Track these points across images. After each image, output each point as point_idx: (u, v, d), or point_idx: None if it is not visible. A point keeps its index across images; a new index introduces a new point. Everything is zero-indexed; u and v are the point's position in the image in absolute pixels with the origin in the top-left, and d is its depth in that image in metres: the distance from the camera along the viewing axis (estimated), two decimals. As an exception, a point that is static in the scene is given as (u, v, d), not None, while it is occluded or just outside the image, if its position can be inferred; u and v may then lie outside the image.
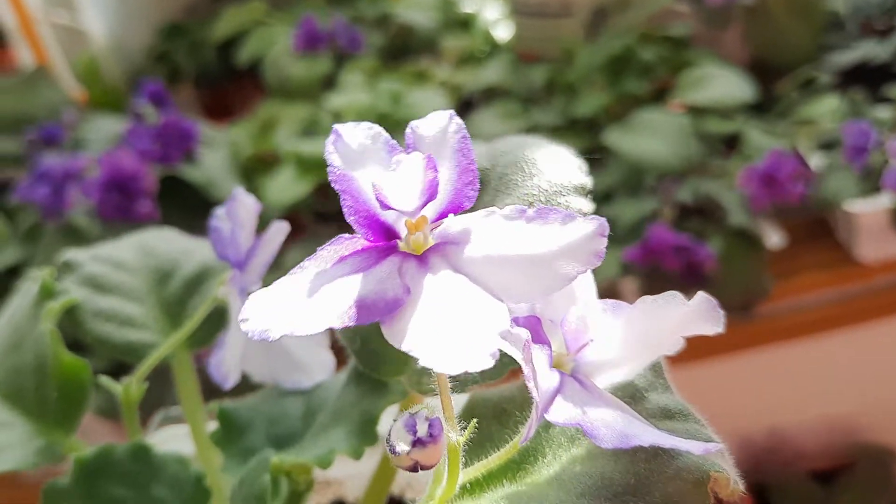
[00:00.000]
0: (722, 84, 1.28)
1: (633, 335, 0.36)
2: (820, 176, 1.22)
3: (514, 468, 0.39)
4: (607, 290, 1.15)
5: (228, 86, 2.02)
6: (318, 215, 1.43)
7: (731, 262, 1.12)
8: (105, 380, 0.53)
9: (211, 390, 0.54)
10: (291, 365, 0.53)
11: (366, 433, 0.46)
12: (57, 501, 0.47)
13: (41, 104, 1.73)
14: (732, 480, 0.34)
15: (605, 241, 0.32)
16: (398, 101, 1.43)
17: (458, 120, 0.35)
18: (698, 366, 1.28)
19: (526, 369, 0.32)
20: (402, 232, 0.34)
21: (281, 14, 1.89)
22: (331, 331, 0.47)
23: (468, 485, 0.38)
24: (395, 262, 0.33)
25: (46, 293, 0.54)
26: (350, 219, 0.34)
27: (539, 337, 0.35)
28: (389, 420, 0.46)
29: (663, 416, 0.38)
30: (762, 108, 1.39)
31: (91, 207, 1.29)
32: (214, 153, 1.47)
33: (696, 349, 1.24)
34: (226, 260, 0.51)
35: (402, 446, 0.32)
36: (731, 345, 1.27)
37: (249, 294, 0.49)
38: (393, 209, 0.33)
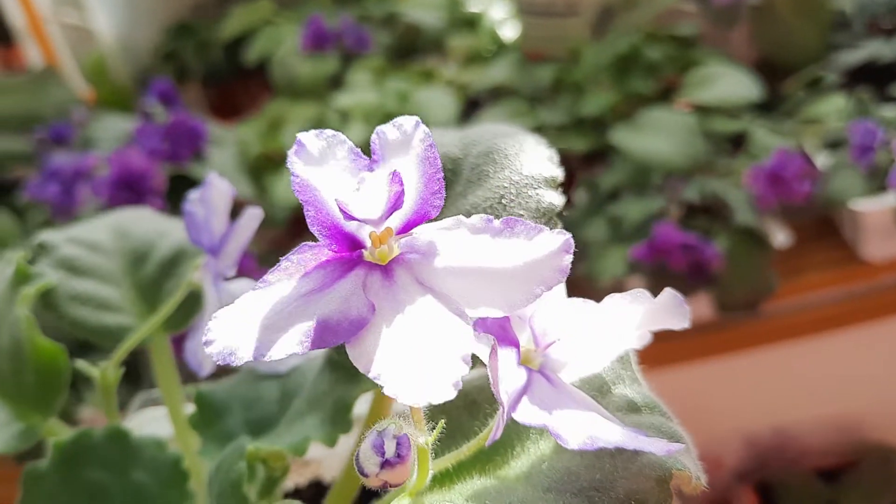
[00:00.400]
0: (729, 83, 1.29)
1: (601, 332, 0.37)
2: (826, 175, 1.23)
3: (483, 460, 0.39)
4: (614, 289, 1.16)
5: (236, 85, 2.02)
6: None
7: (738, 261, 1.12)
8: (82, 364, 0.53)
9: (189, 372, 0.54)
10: None
11: (339, 421, 0.46)
12: (37, 485, 0.47)
13: (50, 103, 1.74)
14: (695, 477, 0.35)
15: (570, 258, 0.32)
16: (405, 100, 1.44)
17: (424, 128, 0.35)
18: (704, 364, 1.29)
19: (492, 375, 0.33)
20: (367, 242, 0.34)
21: (288, 13, 1.90)
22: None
23: (438, 475, 0.38)
24: (359, 275, 0.33)
25: (22, 277, 0.53)
26: (314, 229, 0.33)
27: (507, 334, 0.35)
28: (364, 405, 0.49)
29: (629, 410, 0.39)
30: (769, 107, 1.40)
31: (101, 206, 1.29)
32: (222, 152, 1.48)
33: (702, 347, 1.25)
34: (199, 245, 0.51)
35: (371, 468, 0.32)
36: (737, 343, 1.27)
37: (224, 279, 0.50)
38: (357, 220, 0.33)
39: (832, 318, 1.28)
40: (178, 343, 0.59)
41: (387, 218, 0.34)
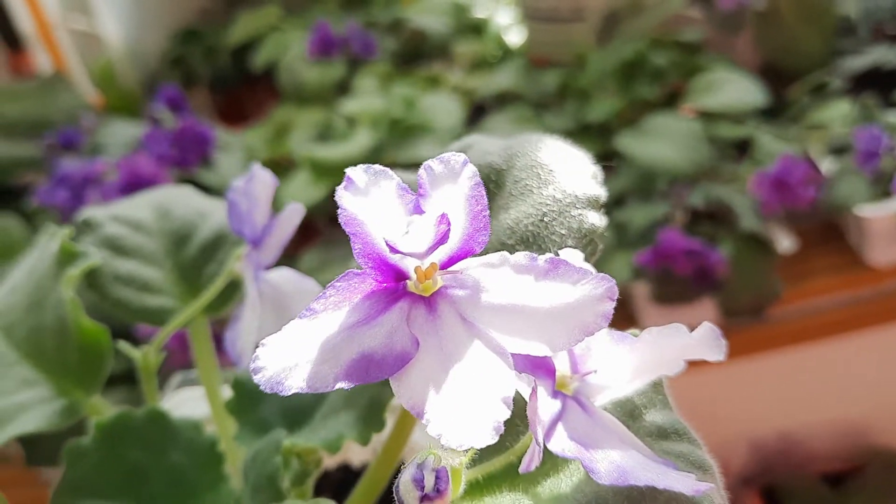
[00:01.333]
0: (734, 89, 1.29)
1: (637, 363, 0.37)
2: (831, 180, 1.23)
3: (513, 473, 0.39)
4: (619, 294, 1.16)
5: (243, 90, 2.03)
6: (333, 219, 1.45)
7: (742, 266, 1.13)
8: (124, 345, 0.54)
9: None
10: None
11: (373, 420, 0.46)
12: (79, 462, 0.48)
13: (58, 109, 1.75)
14: None
15: (612, 304, 0.32)
16: (411, 106, 1.45)
17: (471, 167, 0.35)
18: (709, 369, 1.29)
19: (530, 413, 0.34)
20: (412, 273, 0.35)
21: (295, 19, 1.91)
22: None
23: (467, 486, 0.38)
24: (403, 308, 0.34)
25: (67, 255, 0.54)
26: (360, 260, 0.34)
27: (545, 363, 0.35)
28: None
29: (659, 436, 0.39)
30: (773, 113, 1.40)
31: (109, 211, 1.31)
32: (230, 157, 1.49)
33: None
34: (241, 235, 0.51)
35: (411, 501, 0.33)
36: (742, 348, 1.27)
37: (265, 270, 0.52)
38: (403, 255, 0.34)
39: (837, 324, 1.28)
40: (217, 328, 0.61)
41: (432, 252, 0.34)
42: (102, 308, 0.58)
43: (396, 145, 1.37)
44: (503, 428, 0.31)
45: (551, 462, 0.39)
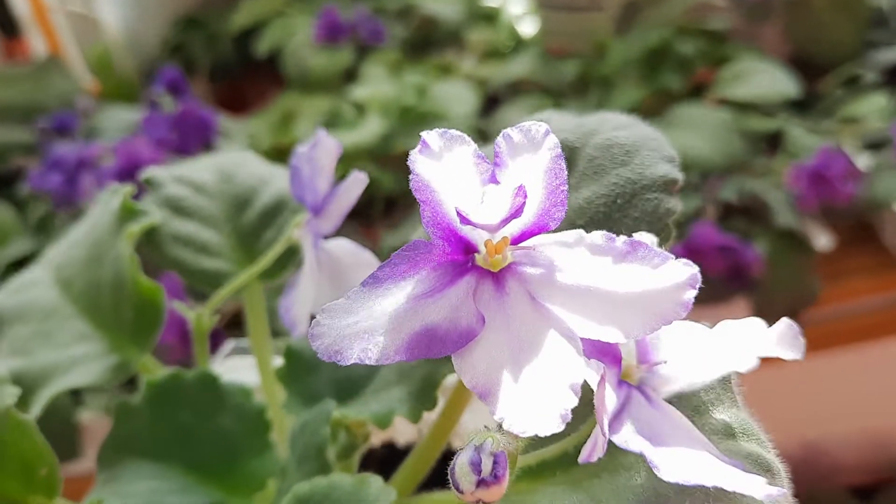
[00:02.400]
0: (765, 79, 1.23)
1: (707, 356, 0.35)
2: (868, 176, 1.17)
3: (567, 462, 0.37)
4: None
5: (244, 79, 1.97)
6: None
7: (778, 265, 1.06)
8: (180, 306, 0.54)
9: (280, 323, 0.54)
10: None
11: (425, 397, 0.45)
12: (128, 419, 0.48)
13: (53, 94, 1.69)
14: None
15: (694, 293, 0.30)
16: (423, 93, 1.38)
17: (553, 138, 0.33)
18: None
19: (597, 403, 0.32)
20: (481, 247, 0.33)
21: (301, 4, 1.84)
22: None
23: (520, 472, 0.37)
24: (470, 282, 0.32)
25: (127, 212, 0.54)
26: (428, 229, 0.32)
27: (612, 351, 0.34)
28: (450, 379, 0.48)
29: (725, 435, 0.37)
30: (803, 105, 1.34)
31: (105, 198, 1.24)
32: (233, 145, 1.42)
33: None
34: (302, 202, 0.50)
35: (467, 486, 0.31)
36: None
37: (324, 238, 0.51)
38: (473, 224, 0.32)
39: (870, 328, 1.22)
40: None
41: (504, 225, 0.32)
42: (162, 266, 0.58)
43: (408, 134, 1.31)
44: (570, 416, 0.29)
45: (609, 453, 0.37)
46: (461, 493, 0.32)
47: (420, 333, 0.31)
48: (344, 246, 0.51)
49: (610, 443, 0.36)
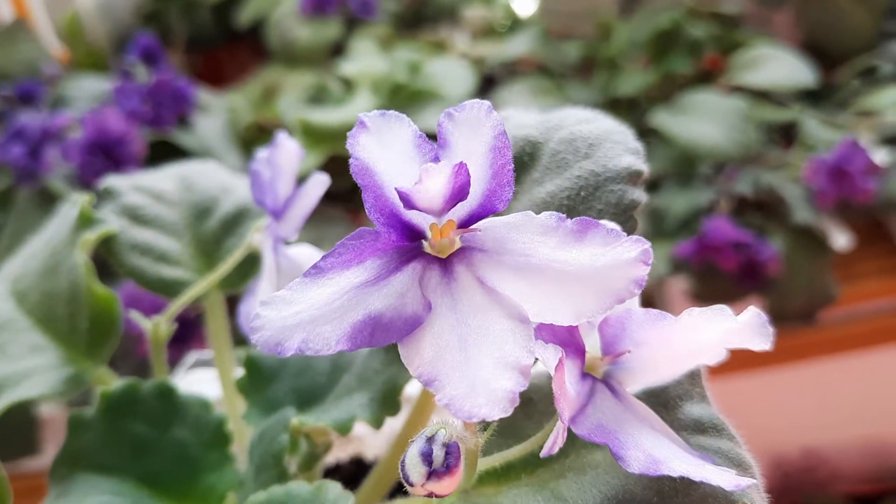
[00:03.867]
0: (780, 66, 1.16)
1: (674, 346, 0.35)
2: (885, 173, 1.10)
3: (533, 463, 0.38)
4: (653, 290, 1.03)
5: (223, 51, 1.87)
6: (328, 195, 1.29)
7: (795, 264, 1.00)
8: (136, 315, 0.53)
9: (241, 334, 0.52)
10: None
11: (388, 403, 0.45)
12: (81, 432, 0.47)
13: (19, 60, 1.58)
14: None
15: (647, 269, 0.30)
16: (416, 70, 1.30)
17: (496, 115, 0.32)
18: (735, 377, 1.17)
19: (556, 388, 0.31)
20: (427, 232, 0.32)
21: (286, -26, 1.74)
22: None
23: (485, 474, 0.37)
24: (416, 269, 0.32)
25: (84, 221, 0.53)
26: (371, 216, 0.32)
27: (574, 339, 0.33)
28: (415, 387, 0.48)
29: (695, 430, 0.37)
30: (816, 96, 1.27)
31: (71, 172, 1.14)
32: (211, 120, 1.33)
33: (738, 359, 1.13)
34: (263, 206, 0.49)
35: (417, 477, 0.31)
36: (773, 357, 1.15)
37: (285, 244, 0.49)
38: (417, 210, 0.31)
39: (879, 333, 1.16)
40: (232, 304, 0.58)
41: (450, 209, 0.31)
42: (120, 275, 0.57)
43: (400, 112, 1.22)
44: (518, 400, 0.28)
45: (575, 453, 0.38)
46: (412, 485, 0.31)
47: (363, 322, 0.30)
48: (305, 252, 0.50)
49: (577, 442, 0.36)
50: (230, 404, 0.55)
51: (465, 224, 0.32)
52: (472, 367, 0.29)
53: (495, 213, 0.32)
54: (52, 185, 1.15)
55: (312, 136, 1.17)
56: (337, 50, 1.50)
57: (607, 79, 1.20)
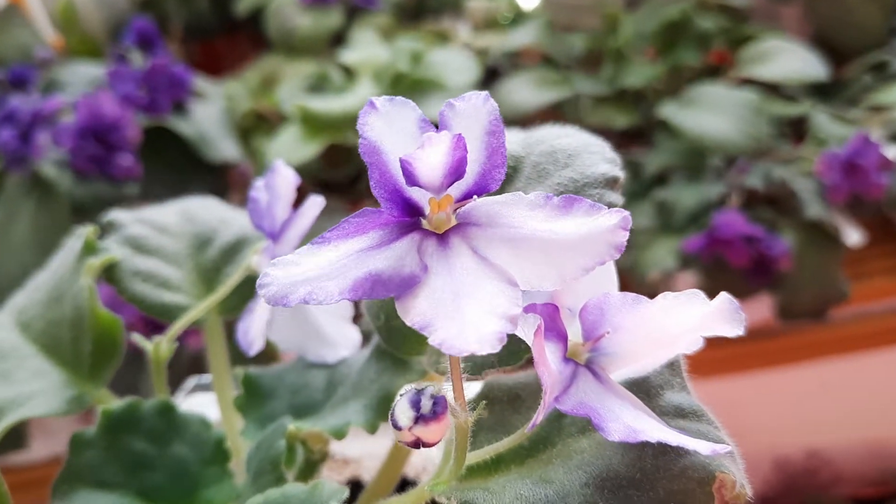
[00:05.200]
0: (791, 59, 1.14)
1: (652, 330, 0.36)
2: (895, 169, 1.08)
3: (523, 454, 0.40)
4: (662, 284, 1.00)
5: (221, 40, 1.84)
6: (322, 184, 1.26)
7: (806, 260, 0.97)
8: (138, 337, 0.54)
9: (241, 356, 0.54)
10: (318, 339, 0.54)
11: (382, 408, 0.47)
12: (83, 450, 0.48)
13: (12, 45, 1.55)
14: (739, 483, 0.34)
15: (626, 235, 0.32)
16: (419, 60, 1.27)
17: (493, 102, 0.35)
18: (736, 376, 1.15)
19: (536, 354, 0.33)
20: (426, 209, 0.35)
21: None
22: (356, 307, 0.53)
23: (476, 466, 0.39)
24: (415, 238, 0.34)
25: (89, 250, 0.56)
26: (376, 192, 0.34)
27: (556, 325, 0.36)
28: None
29: (676, 415, 0.39)
30: (825, 91, 1.25)
31: (63, 157, 1.11)
32: (208, 107, 1.30)
33: (741, 359, 1.11)
34: (261, 230, 0.52)
35: (405, 421, 0.32)
36: (777, 356, 1.13)
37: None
38: (419, 185, 0.34)
39: (890, 332, 1.14)
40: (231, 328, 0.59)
41: (447, 186, 0.34)
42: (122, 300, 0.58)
43: (402, 102, 1.20)
44: (506, 339, 0.30)
45: (562, 443, 0.40)
46: (399, 429, 0.32)
47: (364, 278, 0.32)
48: None
49: (563, 432, 0.40)
50: (229, 424, 0.56)
51: (461, 200, 0.35)
52: (464, 311, 0.31)
53: (488, 193, 0.35)
54: (43, 171, 1.12)
55: (312, 124, 1.14)
56: (337, 40, 1.47)
57: (614, 71, 1.17)
